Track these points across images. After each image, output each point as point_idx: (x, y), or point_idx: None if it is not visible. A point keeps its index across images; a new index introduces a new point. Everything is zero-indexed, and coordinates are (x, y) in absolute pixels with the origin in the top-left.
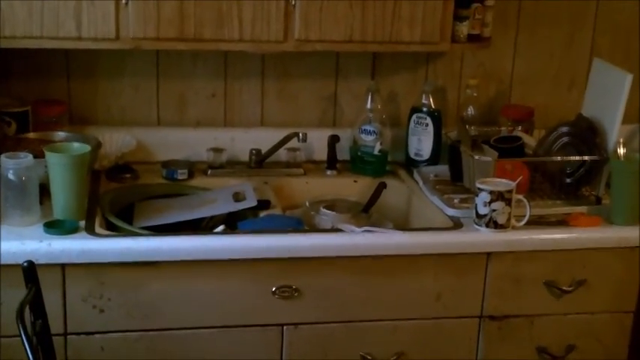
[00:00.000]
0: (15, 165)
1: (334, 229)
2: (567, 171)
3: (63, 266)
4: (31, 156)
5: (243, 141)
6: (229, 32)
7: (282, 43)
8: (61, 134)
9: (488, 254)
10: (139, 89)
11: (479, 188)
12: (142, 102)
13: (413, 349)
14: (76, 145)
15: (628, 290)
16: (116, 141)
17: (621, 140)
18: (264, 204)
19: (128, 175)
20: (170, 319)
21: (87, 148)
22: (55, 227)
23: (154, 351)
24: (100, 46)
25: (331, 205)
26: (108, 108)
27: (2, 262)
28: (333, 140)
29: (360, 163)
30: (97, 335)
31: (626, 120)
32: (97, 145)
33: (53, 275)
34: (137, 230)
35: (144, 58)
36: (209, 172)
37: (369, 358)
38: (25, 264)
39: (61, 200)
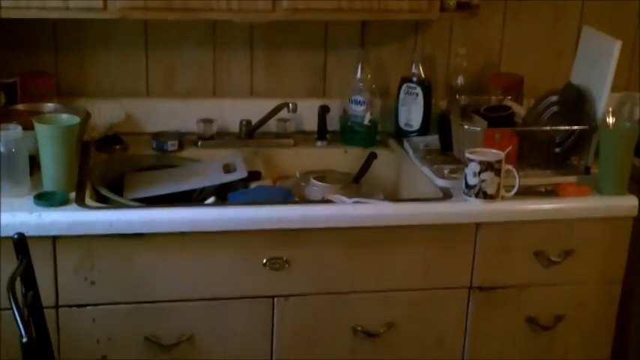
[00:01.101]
0: (4, 137)
1: (324, 200)
2: (556, 140)
3: (54, 238)
4: (20, 128)
5: (232, 111)
6: (217, 1)
7: (270, 13)
8: (50, 106)
9: (478, 225)
10: (127, 60)
11: (468, 158)
12: (131, 73)
13: (403, 320)
14: (65, 116)
15: (616, 260)
16: (105, 112)
17: (610, 109)
18: (254, 175)
19: (118, 147)
20: (161, 291)
21: (76, 119)
22: (45, 199)
23: (144, 323)
24: (88, 15)
25: (321, 176)
26: (96, 79)
27: None
28: (324, 111)
29: (350, 133)
30: (88, 307)
31: (615, 88)
32: (86, 117)
33: (44, 247)
34: (127, 202)
35: (132, 29)
36: (199, 143)
37: (359, 329)
38: (16, 236)
39: (51, 172)
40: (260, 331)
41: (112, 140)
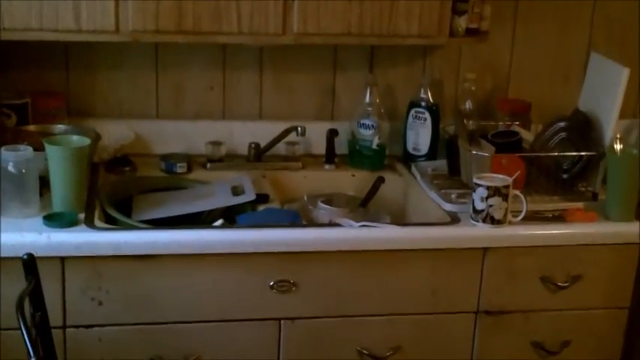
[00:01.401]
0: (15, 157)
1: (332, 224)
2: (564, 166)
3: (62, 259)
4: (30, 148)
5: (241, 134)
6: (228, 25)
7: (280, 36)
8: (60, 127)
9: (485, 249)
10: (137, 82)
11: (476, 183)
12: (141, 94)
13: (409, 343)
14: (75, 137)
15: (623, 286)
16: (115, 133)
17: (618, 135)
18: (262, 198)
19: (127, 168)
20: (168, 313)
21: (86, 140)
22: (54, 220)
23: (151, 344)
24: (100, 38)
25: (329, 200)
26: (106, 100)
27: (2, 255)
28: (332, 134)
29: (358, 157)
30: (95, 328)
31: (623, 115)
32: (96, 138)
33: (52, 268)
34: (136, 223)
35: (142, 50)
36: (208, 165)
37: (365, 352)
38: (25, 256)
39: (61, 193)
40: (266, 354)
41: (121, 161)
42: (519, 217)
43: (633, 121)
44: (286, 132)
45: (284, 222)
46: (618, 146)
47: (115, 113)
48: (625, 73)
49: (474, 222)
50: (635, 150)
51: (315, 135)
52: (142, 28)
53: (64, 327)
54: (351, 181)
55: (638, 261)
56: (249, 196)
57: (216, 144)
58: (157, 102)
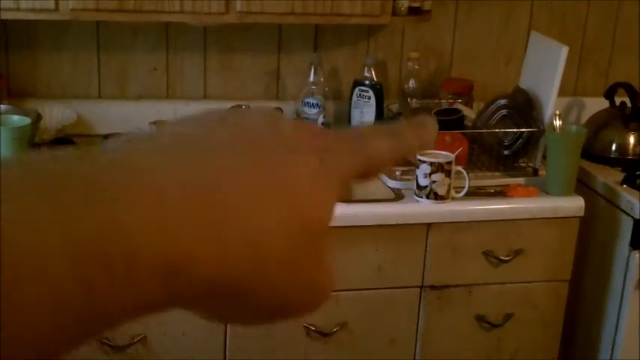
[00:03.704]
0: None
1: None
2: (505, 143)
3: None
4: None
5: (185, 114)
6: (170, 4)
7: (223, 15)
8: (0, 107)
9: (429, 225)
10: (79, 62)
11: (419, 160)
12: (83, 75)
13: (355, 319)
14: (15, 117)
15: (563, 259)
16: (56, 114)
17: (557, 112)
18: None
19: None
20: None
21: (27, 120)
22: None
23: None
24: (39, 16)
25: None
26: (48, 81)
27: None
28: None
29: None
30: None
31: (562, 93)
32: (37, 118)
33: None
34: None
35: (84, 30)
36: None
37: (312, 329)
38: None
39: None
40: (213, 332)
41: (62, 142)
42: (462, 193)
43: (573, 99)
44: None
45: None
46: (558, 123)
47: (56, 94)
48: (564, 51)
49: (417, 198)
50: (574, 126)
51: None
52: (82, 7)
53: None
54: None
55: (578, 234)
56: None
57: (160, 124)
58: (99, 83)
